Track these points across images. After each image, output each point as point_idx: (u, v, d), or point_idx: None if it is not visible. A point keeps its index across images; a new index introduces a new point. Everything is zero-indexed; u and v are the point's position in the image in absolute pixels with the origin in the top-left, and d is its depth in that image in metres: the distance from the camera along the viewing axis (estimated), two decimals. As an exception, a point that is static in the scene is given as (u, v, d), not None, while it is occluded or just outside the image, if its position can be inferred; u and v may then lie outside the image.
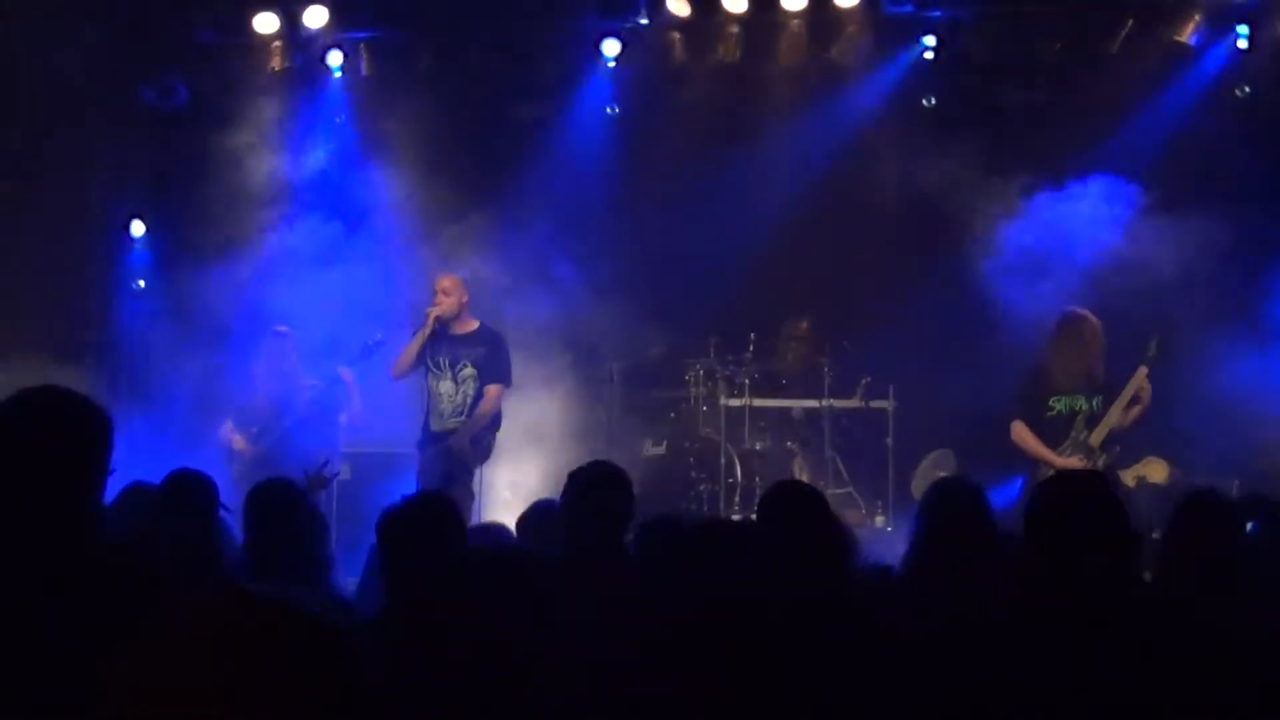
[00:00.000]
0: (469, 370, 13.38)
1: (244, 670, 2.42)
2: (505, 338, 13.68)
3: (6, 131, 14.73)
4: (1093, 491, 5.03)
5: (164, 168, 15.95)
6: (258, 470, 12.95)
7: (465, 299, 13.52)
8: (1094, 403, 12.53)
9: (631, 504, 7.49)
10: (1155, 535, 9.52)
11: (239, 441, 13.62)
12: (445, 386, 13.42)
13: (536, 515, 8.31)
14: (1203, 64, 14.57)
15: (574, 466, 7.68)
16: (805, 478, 14.70)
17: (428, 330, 13.35)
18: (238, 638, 2.45)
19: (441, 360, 13.42)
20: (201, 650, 2.44)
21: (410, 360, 13.45)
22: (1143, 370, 12.48)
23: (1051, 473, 12.35)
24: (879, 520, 14.70)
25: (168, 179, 15.90)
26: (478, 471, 13.44)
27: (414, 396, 13.96)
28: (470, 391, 13.38)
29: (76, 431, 4.21)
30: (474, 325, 13.57)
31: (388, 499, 12.07)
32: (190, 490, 7.61)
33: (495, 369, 13.43)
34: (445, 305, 13.38)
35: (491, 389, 13.38)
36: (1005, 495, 13.15)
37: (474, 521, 11.57)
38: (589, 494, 7.40)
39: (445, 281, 13.51)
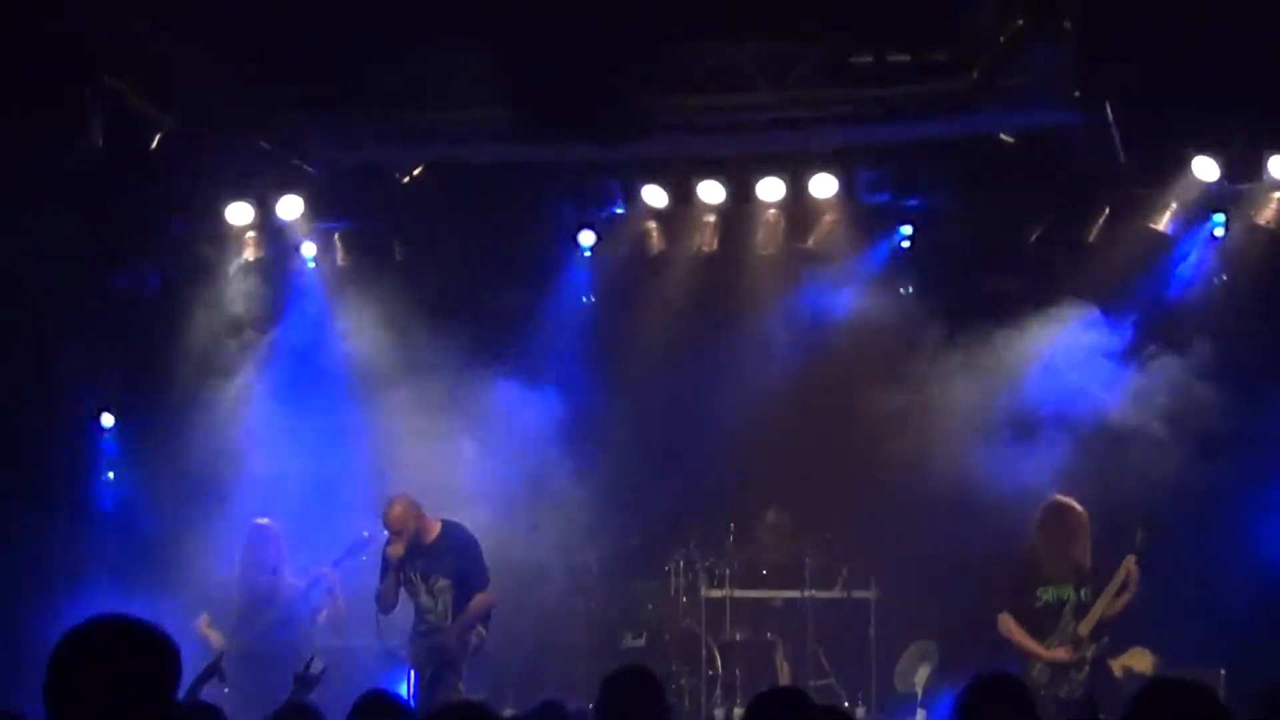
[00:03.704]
0: (443, 583, 13.29)
1: None
2: (468, 535, 13.50)
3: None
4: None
5: (135, 356, 15.76)
6: (235, 666, 12.76)
7: (418, 517, 13.34)
8: (1082, 593, 12.42)
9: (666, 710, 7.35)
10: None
11: (215, 637, 13.39)
12: (425, 600, 13.38)
13: (544, 715, 8.06)
14: (1180, 251, 14.58)
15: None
16: (786, 669, 14.60)
17: (393, 575, 13.27)
18: None
19: (414, 575, 13.35)
20: None
21: (391, 595, 13.36)
22: (1130, 559, 12.37)
23: (1040, 665, 12.21)
24: (860, 713, 14.49)
25: (139, 367, 15.72)
26: (466, 665, 13.29)
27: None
28: (449, 600, 13.30)
29: (145, 662, 4.18)
30: (436, 530, 13.42)
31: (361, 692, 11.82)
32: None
33: (471, 577, 13.32)
34: (402, 541, 13.24)
35: (479, 599, 13.29)
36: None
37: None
38: (623, 700, 7.25)
39: (393, 517, 13.29)
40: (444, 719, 6.30)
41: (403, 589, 13.41)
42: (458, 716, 6.31)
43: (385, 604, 13.42)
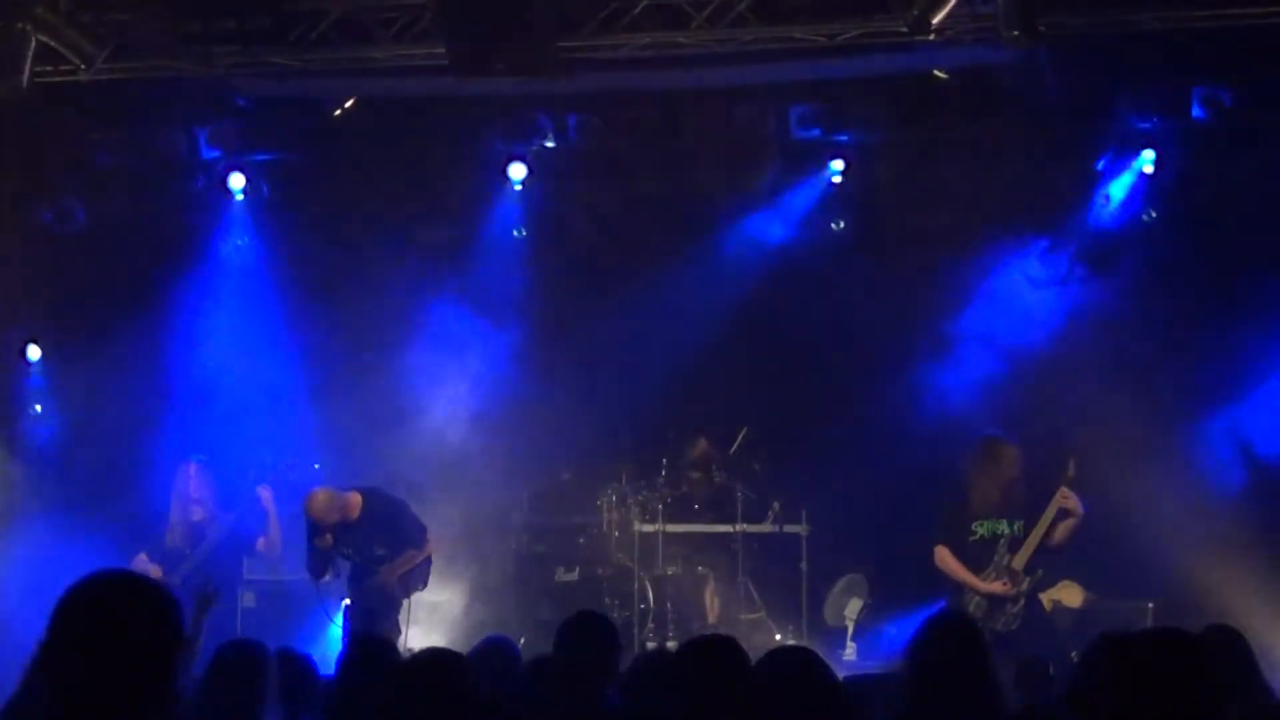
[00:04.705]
0: (380, 551, 13.20)
1: None
2: (390, 499, 13.44)
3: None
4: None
5: (62, 289, 15.62)
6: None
7: (341, 507, 13.19)
8: (1015, 527, 12.48)
9: (618, 655, 7.37)
10: (1073, 657, 9.52)
11: (155, 571, 13.34)
12: (362, 563, 13.28)
13: (491, 653, 8.07)
14: (1109, 187, 14.67)
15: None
16: (717, 603, 14.64)
17: (320, 558, 13.21)
18: None
19: (348, 552, 13.28)
20: None
21: (322, 569, 13.29)
22: (1062, 490, 12.44)
23: (977, 599, 12.29)
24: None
25: (66, 300, 15.58)
26: (407, 602, 13.30)
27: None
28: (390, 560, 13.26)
29: (149, 620, 4.02)
30: (358, 504, 13.28)
31: (293, 626, 11.88)
32: (239, 660, 7.32)
33: (406, 538, 13.29)
34: (329, 531, 13.14)
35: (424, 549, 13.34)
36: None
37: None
38: (579, 644, 7.26)
39: (317, 511, 13.12)
40: (417, 671, 6.32)
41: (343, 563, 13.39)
42: (432, 664, 6.35)
43: (314, 575, 13.38)
